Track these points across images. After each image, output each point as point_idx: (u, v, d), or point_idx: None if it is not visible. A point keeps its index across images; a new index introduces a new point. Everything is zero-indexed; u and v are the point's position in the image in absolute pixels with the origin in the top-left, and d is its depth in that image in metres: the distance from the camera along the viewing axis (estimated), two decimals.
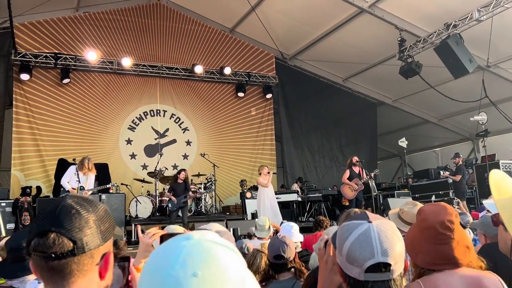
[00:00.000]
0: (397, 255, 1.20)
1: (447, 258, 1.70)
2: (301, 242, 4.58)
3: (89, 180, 8.39)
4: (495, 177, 1.62)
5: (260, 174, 10.35)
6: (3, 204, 9.64)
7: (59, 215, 1.02)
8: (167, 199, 10.40)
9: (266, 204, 10.07)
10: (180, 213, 10.08)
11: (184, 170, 10.55)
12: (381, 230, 1.21)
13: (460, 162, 11.55)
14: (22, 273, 2.02)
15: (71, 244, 1.01)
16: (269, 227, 5.65)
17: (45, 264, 1.01)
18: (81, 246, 1.01)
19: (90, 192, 8.59)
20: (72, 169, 8.43)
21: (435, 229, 1.72)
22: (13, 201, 10.04)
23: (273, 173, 11.01)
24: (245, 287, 0.83)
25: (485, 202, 3.24)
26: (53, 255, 0.99)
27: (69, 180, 8.35)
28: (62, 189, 8.47)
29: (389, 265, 1.18)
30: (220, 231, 1.93)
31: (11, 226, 9.63)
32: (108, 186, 9.27)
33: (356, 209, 2.36)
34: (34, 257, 1.03)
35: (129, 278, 1.23)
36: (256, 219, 6.60)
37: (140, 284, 0.86)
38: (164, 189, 11.56)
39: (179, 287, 0.77)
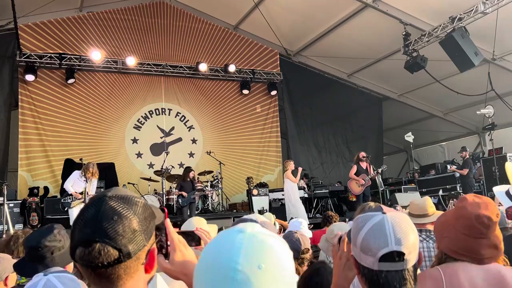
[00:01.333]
0: (411, 245, 1.21)
1: (471, 251, 1.70)
2: (310, 238, 4.56)
3: (92, 186, 8.43)
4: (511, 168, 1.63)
5: (287, 169, 10.39)
6: (11, 205, 9.69)
7: (101, 222, 0.99)
8: (175, 196, 10.50)
9: (297, 198, 10.14)
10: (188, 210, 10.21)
11: (192, 170, 10.77)
12: (395, 220, 1.23)
13: (467, 156, 11.50)
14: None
15: (117, 253, 0.99)
16: (275, 223, 5.63)
17: (92, 271, 1.01)
18: (127, 252, 1.00)
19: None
20: (75, 174, 8.47)
21: (469, 220, 1.72)
22: (20, 201, 10.10)
23: (303, 170, 11.02)
24: (295, 275, 0.88)
25: (496, 189, 3.21)
26: (99, 264, 0.99)
27: (72, 184, 8.38)
28: (65, 192, 8.50)
29: (403, 254, 1.20)
30: (265, 222, 1.95)
31: (19, 226, 9.68)
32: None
33: (372, 203, 2.34)
34: (80, 264, 1.02)
35: (167, 232, 1.20)
36: (261, 216, 6.57)
37: (199, 280, 0.87)
38: (171, 187, 11.60)
39: (246, 281, 0.80)
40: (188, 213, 9.96)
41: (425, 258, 3.00)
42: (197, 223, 2.76)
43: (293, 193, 10.26)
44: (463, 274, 1.67)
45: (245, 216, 2.08)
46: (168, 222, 1.21)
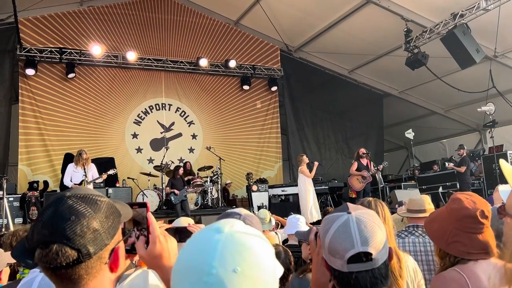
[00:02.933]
0: (378, 243, 1.19)
1: (483, 247, 1.72)
2: None
3: (90, 172, 8.35)
4: (507, 166, 1.62)
5: (300, 165, 10.30)
6: (11, 199, 9.71)
7: (57, 223, 0.98)
8: (166, 193, 10.58)
9: (311, 194, 10.07)
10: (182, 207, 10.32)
11: (180, 167, 10.96)
12: (360, 220, 1.20)
13: (464, 154, 11.47)
14: None
15: (75, 253, 0.97)
16: (270, 219, 5.64)
17: (52, 272, 1.00)
18: (86, 252, 0.98)
19: (91, 184, 8.45)
20: (70, 167, 8.43)
21: (475, 218, 1.74)
22: (20, 195, 10.12)
23: (319, 164, 10.88)
24: (276, 274, 0.86)
25: (501, 188, 3.18)
26: (58, 266, 0.97)
27: (70, 178, 8.36)
28: (66, 188, 8.49)
29: (370, 254, 1.17)
30: (248, 215, 1.94)
31: (19, 220, 9.72)
32: (110, 172, 8.94)
33: (370, 198, 2.31)
34: (40, 265, 1.01)
35: (148, 224, 1.19)
36: (257, 212, 6.57)
37: (175, 281, 0.85)
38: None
39: (221, 285, 0.78)
40: (181, 210, 10.02)
41: (421, 252, 3.08)
42: (184, 223, 2.78)
43: (306, 188, 10.11)
44: (482, 272, 1.67)
45: (228, 210, 2.06)
46: (150, 215, 1.20)
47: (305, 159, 10.34)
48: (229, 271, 0.78)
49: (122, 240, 1.11)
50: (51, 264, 0.97)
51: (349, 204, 1.28)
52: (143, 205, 1.23)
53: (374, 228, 1.20)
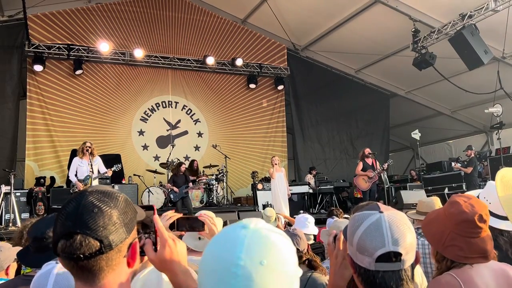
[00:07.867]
0: (408, 245, 1.19)
1: (481, 251, 1.70)
2: (314, 236, 4.54)
3: (94, 165, 8.18)
4: (503, 173, 1.63)
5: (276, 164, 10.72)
6: (18, 194, 9.76)
7: (81, 215, 1.02)
8: (169, 189, 10.62)
9: (276, 193, 10.32)
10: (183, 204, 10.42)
11: (183, 164, 11.00)
12: (392, 220, 1.21)
13: (472, 155, 11.43)
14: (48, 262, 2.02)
15: (98, 244, 1.01)
16: (276, 218, 5.67)
17: (74, 264, 1.03)
18: (108, 243, 1.02)
19: (97, 180, 8.32)
20: (75, 161, 8.36)
21: (473, 223, 1.71)
22: (27, 191, 10.17)
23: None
24: (298, 270, 0.90)
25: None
26: (81, 256, 1.01)
27: (76, 173, 8.26)
28: (71, 183, 8.50)
29: (400, 254, 1.18)
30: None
31: (25, 215, 9.77)
32: (113, 169, 8.71)
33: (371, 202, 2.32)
34: (62, 257, 1.04)
35: (156, 228, 1.22)
36: (262, 210, 6.59)
37: (203, 274, 0.89)
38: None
39: (248, 276, 0.81)
40: (182, 208, 10.06)
41: (431, 255, 3.02)
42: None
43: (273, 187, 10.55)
44: (478, 277, 1.66)
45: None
46: (156, 218, 1.23)
47: (274, 160, 10.73)
48: (256, 263, 0.82)
49: (137, 238, 1.14)
50: (74, 254, 1.01)
51: (380, 204, 1.29)
52: (150, 208, 1.24)
53: (405, 229, 1.21)
